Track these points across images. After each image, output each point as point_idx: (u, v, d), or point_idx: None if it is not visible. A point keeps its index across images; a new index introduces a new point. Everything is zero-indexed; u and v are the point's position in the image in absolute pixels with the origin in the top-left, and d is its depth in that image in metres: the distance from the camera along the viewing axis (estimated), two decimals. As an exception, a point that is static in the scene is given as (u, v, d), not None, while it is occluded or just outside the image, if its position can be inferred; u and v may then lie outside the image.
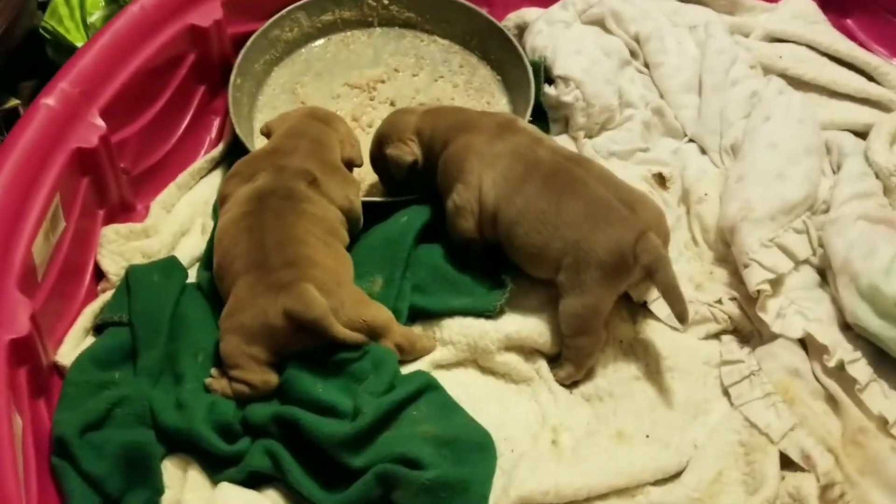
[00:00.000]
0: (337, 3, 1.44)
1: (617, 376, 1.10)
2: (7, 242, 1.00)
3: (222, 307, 1.04)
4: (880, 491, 0.99)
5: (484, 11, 1.44)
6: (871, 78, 1.40)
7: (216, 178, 1.31)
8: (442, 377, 1.05)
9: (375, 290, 1.10)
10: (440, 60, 1.45)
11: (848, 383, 1.06)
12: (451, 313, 1.10)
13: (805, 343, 1.10)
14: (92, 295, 1.15)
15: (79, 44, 1.38)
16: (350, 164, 1.19)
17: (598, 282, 1.03)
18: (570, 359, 1.08)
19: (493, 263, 1.14)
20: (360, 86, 1.41)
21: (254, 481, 0.98)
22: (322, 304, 0.98)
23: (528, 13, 1.47)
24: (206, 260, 1.15)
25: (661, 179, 1.29)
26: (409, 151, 1.17)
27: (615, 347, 1.12)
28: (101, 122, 1.15)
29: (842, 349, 1.07)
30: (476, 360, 1.10)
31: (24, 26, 1.41)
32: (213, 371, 1.04)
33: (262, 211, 1.06)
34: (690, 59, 1.40)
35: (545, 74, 1.35)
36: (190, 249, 1.21)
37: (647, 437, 1.04)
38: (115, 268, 1.16)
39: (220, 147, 1.33)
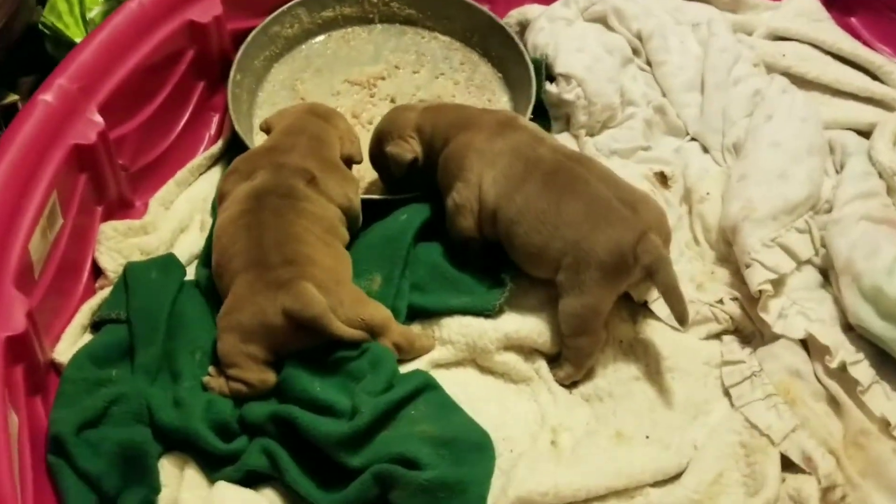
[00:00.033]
0: (338, 0, 1.44)
1: (617, 376, 1.09)
2: (3, 239, 0.99)
3: (221, 305, 1.04)
4: (882, 493, 0.98)
5: (485, 8, 1.43)
6: (874, 77, 1.40)
7: (215, 174, 1.31)
8: (440, 376, 1.05)
9: (374, 288, 1.09)
10: (441, 57, 1.44)
11: (850, 385, 1.05)
12: (451, 312, 1.09)
13: (807, 344, 1.10)
14: (90, 292, 1.14)
15: (78, 39, 1.37)
16: (349, 161, 1.19)
17: (597, 282, 1.02)
18: (569, 359, 1.08)
19: (492, 262, 1.13)
20: (361, 82, 1.40)
21: (251, 480, 0.98)
22: (321, 303, 0.98)
23: (530, 10, 1.47)
24: (205, 257, 1.14)
25: (662, 178, 1.29)
26: (409, 149, 1.16)
27: (615, 347, 1.11)
28: (99, 119, 1.14)
29: (844, 350, 1.07)
30: (475, 359, 1.10)
31: (24, 21, 1.40)
32: (211, 369, 1.04)
33: (260, 209, 1.05)
34: (693, 57, 1.39)
35: (547, 72, 1.35)
36: (189, 246, 1.21)
37: (647, 437, 1.03)
38: (113, 265, 1.15)
39: (220, 144, 1.33)
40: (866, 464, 1.00)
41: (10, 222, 1.01)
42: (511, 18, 1.47)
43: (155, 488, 0.96)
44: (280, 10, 1.38)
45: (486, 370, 1.10)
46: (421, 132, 1.17)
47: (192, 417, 0.98)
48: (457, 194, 1.11)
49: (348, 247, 1.13)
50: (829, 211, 1.19)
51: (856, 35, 1.47)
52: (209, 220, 1.21)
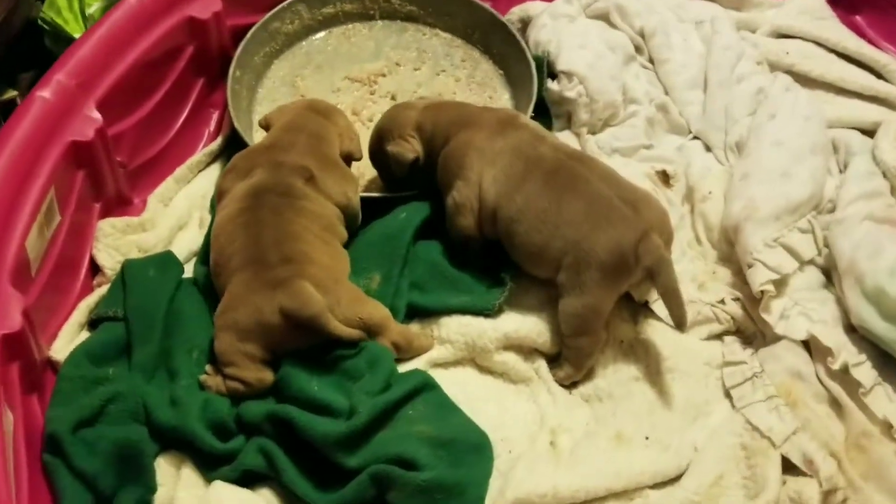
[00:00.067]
0: (338, -4, 1.44)
1: (617, 377, 1.08)
2: (0, 236, 0.99)
3: (218, 303, 1.03)
4: (883, 496, 0.98)
5: (487, 5, 1.43)
6: (879, 75, 1.39)
7: (214, 171, 1.30)
8: (439, 376, 1.04)
9: (373, 287, 1.09)
10: (442, 54, 1.44)
11: (852, 386, 1.05)
12: (450, 311, 1.09)
13: (809, 345, 1.09)
14: (87, 289, 1.14)
15: (77, 35, 1.37)
16: (349, 159, 1.18)
17: (598, 282, 1.02)
18: (569, 359, 1.07)
19: (492, 261, 1.12)
20: (361, 79, 1.39)
21: (248, 480, 0.97)
22: (319, 302, 0.97)
23: (532, 7, 1.46)
24: (203, 255, 1.14)
25: (664, 177, 1.28)
26: (410, 148, 1.15)
27: (615, 348, 1.10)
28: (97, 115, 1.14)
29: (846, 352, 1.06)
30: (474, 359, 1.09)
31: (23, 17, 1.40)
32: (208, 368, 1.04)
33: (258, 207, 1.05)
34: (696, 55, 1.39)
35: (548, 69, 1.34)
36: (187, 244, 1.21)
37: (647, 439, 1.03)
38: (110, 262, 1.15)
39: (219, 140, 1.32)
40: (868, 466, 0.99)
41: (7, 219, 1.00)
42: (513, 15, 1.47)
43: (151, 487, 0.96)
44: (280, 6, 1.38)
45: (485, 370, 1.10)
46: (421, 130, 1.16)
47: (188, 416, 0.98)
48: (457, 193, 1.10)
49: (347, 245, 1.12)
50: (833, 211, 1.19)
51: (860, 33, 1.46)
52: (208, 218, 1.20)
